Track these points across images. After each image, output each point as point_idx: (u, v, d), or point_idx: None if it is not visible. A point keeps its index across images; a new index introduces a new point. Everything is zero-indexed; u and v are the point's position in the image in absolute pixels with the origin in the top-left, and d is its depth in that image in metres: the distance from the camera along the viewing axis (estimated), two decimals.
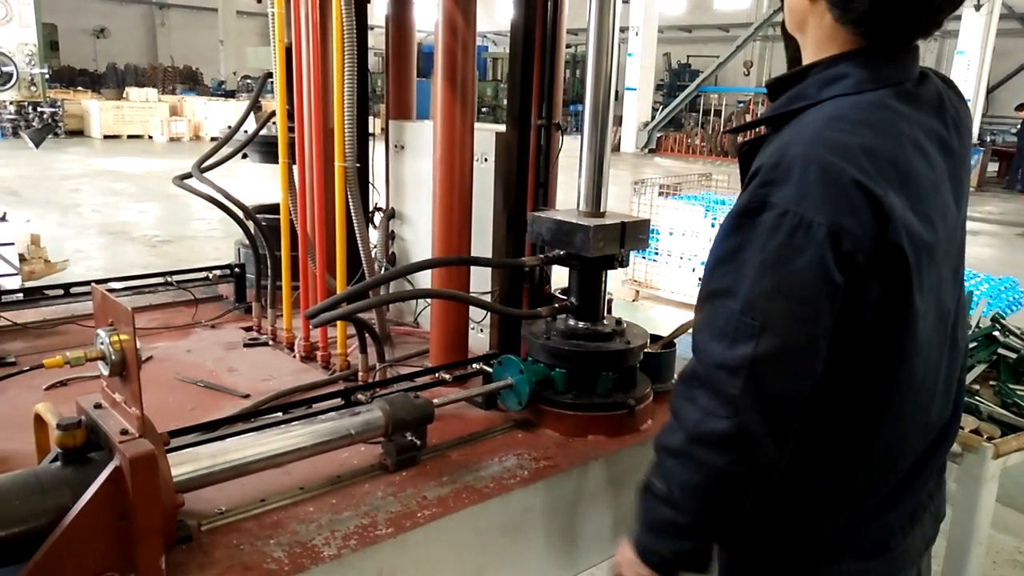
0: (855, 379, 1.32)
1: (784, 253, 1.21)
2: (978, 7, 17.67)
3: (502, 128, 2.57)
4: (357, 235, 2.58)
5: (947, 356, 1.44)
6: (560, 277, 2.43)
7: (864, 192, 1.20)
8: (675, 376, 2.55)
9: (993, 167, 18.63)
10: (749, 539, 1.44)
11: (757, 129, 1.54)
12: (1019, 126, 18.03)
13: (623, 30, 21.93)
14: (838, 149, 1.22)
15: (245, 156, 3.16)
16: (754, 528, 1.42)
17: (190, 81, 32.56)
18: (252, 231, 2.98)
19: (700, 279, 7.41)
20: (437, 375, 2.28)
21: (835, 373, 1.28)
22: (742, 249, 1.25)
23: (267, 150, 3.05)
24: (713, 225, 7.01)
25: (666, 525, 1.36)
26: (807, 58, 1.39)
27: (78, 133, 21.48)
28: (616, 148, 22.50)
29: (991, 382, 2.72)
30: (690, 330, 2.76)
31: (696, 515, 1.33)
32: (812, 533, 1.40)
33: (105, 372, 1.42)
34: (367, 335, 2.44)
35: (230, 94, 28.36)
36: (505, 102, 2.53)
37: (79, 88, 26.91)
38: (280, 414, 2.03)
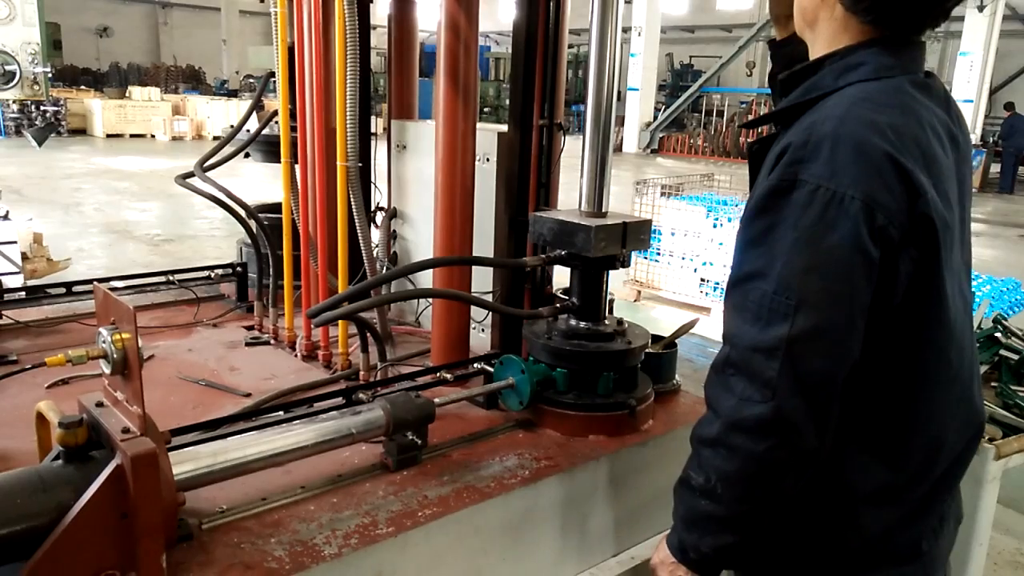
0: (891, 364, 1.30)
1: (818, 229, 1.20)
2: (981, 8, 17.65)
3: (504, 128, 2.57)
4: (359, 234, 2.58)
5: (975, 351, 1.44)
6: (561, 277, 2.43)
7: (895, 166, 1.20)
8: (675, 377, 2.55)
9: (996, 168, 18.59)
10: (776, 545, 1.40)
11: (767, 127, 1.54)
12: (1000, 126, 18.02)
13: (626, 30, 21.93)
14: (868, 125, 1.22)
15: (247, 155, 3.16)
16: (785, 531, 1.38)
17: (193, 80, 32.64)
18: (254, 230, 2.98)
19: (701, 278, 7.34)
20: (438, 375, 2.28)
21: (871, 358, 1.26)
22: (772, 229, 1.24)
23: (269, 149, 3.05)
24: (715, 226, 7.01)
25: (706, 519, 1.33)
26: (816, 53, 1.40)
27: (81, 132, 21.54)
28: (618, 148, 22.50)
29: (993, 383, 2.72)
30: (691, 330, 2.77)
31: (737, 506, 1.29)
32: (852, 533, 1.36)
33: (107, 370, 1.43)
34: (368, 334, 2.44)
35: (232, 93, 28.41)
36: (507, 102, 2.53)
37: (82, 87, 26.96)
38: (281, 413, 2.04)
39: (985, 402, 2.52)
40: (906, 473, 1.35)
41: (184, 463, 1.62)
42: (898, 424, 1.33)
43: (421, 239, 3.02)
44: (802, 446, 1.24)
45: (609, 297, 2.37)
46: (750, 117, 22.19)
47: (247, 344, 2.83)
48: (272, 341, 2.85)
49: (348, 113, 2.47)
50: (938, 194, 1.25)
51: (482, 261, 2.51)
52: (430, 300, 2.76)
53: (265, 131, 3.07)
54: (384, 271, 2.95)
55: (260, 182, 10.09)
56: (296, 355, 2.72)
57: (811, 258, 1.20)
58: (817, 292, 1.20)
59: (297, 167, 2.79)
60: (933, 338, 1.31)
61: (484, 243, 2.58)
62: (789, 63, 1.74)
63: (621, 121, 22.80)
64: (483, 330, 2.72)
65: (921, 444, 1.35)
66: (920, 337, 1.30)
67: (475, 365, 2.38)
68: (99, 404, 1.51)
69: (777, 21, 1.78)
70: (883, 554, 1.37)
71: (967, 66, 18.28)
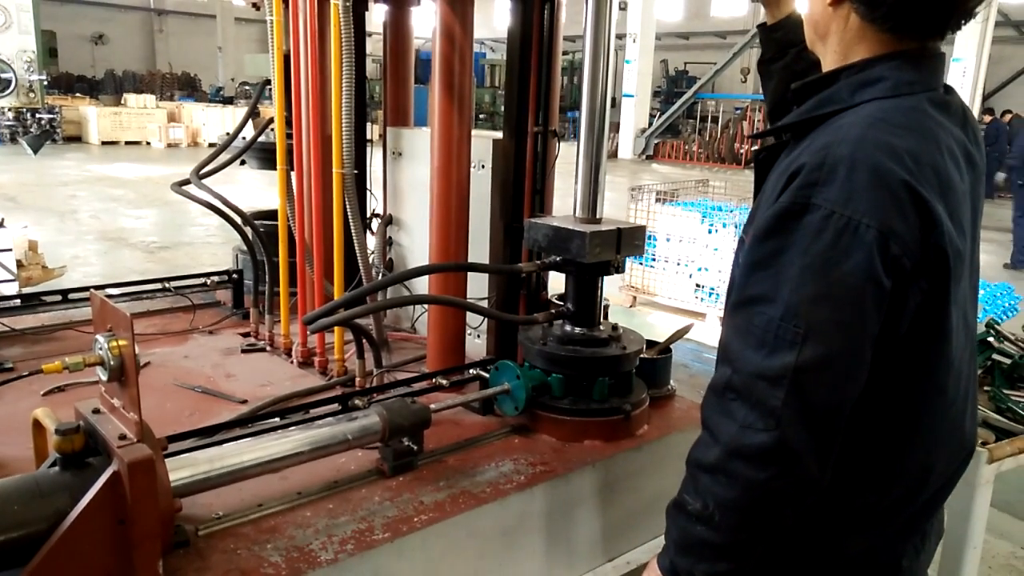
0: (887, 392, 1.27)
1: (831, 256, 1.16)
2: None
3: (499, 135, 2.58)
4: (355, 241, 2.59)
5: (973, 378, 1.41)
6: (557, 283, 2.44)
7: (912, 194, 1.16)
8: (670, 382, 2.56)
9: None
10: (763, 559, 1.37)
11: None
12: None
13: (620, 37, 22.02)
14: (886, 150, 1.18)
15: (243, 162, 3.17)
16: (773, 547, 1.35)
17: (188, 87, 32.68)
18: (250, 237, 2.98)
19: (696, 283, 7.34)
20: (434, 380, 2.29)
21: (870, 386, 1.23)
22: (781, 252, 1.20)
23: (265, 156, 3.06)
24: (710, 231, 7.03)
25: (701, 545, 1.28)
26: (829, 66, 1.36)
27: (76, 139, 21.50)
28: (613, 154, 22.55)
29: (985, 387, 2.73)
30: (686, 336, 2.78)
31: (735, 534, 1.25)
32: (833, 551, 1.36)
33: (104, 377, 1.43)
34: (364, 341, 2.45)
35: (228, 100, 28.47)
36: (502, 109, 2.54)
37: (77, 94, 26.96)
38: (277, 419, 2.05)
39: (978, 406, 2.54)
40: (892, 497, 1.34)
41: (180, 469, 1.62)
42: (888, 450, 1.32)
43: (417, 245, 3.03)
44: (804, 476, 1.21)
45: (604, 303, 2.38)
46: (745, 123, 22.25)
47: (243, 351, 2.83)
48: (268, 348, 2.86)
49: (344, 120, 2.48)
50: (953, 223, 1.22)
51: (477, 267, 2.52)
52: (426, 306, 2.77)
53: (261, 138, 3.08)
54: (380, 278, 2.95)
55: (256, 189, 10.09)
56: (292, 362, 2.72)
57: (822, 286, 1.17)
58: (827, 322, 1.17)
59: (293, 174, 2.80)
60: (933, 370, 1.29)
61: (479, 249, 2.58)
62: (781, 49, 1.72)
63: (616, 127, 22.84)
64: (479, 336, 2.73)
65: (909, 470, 1.33)
66: (920, 368, 1.28)
67: (471, 371, 2.38)
68: (96, 411, 1.52)
69: (767, 4, 1.75)
70: (863, 570, 1.36)
71: (960, 72, 18.36)
